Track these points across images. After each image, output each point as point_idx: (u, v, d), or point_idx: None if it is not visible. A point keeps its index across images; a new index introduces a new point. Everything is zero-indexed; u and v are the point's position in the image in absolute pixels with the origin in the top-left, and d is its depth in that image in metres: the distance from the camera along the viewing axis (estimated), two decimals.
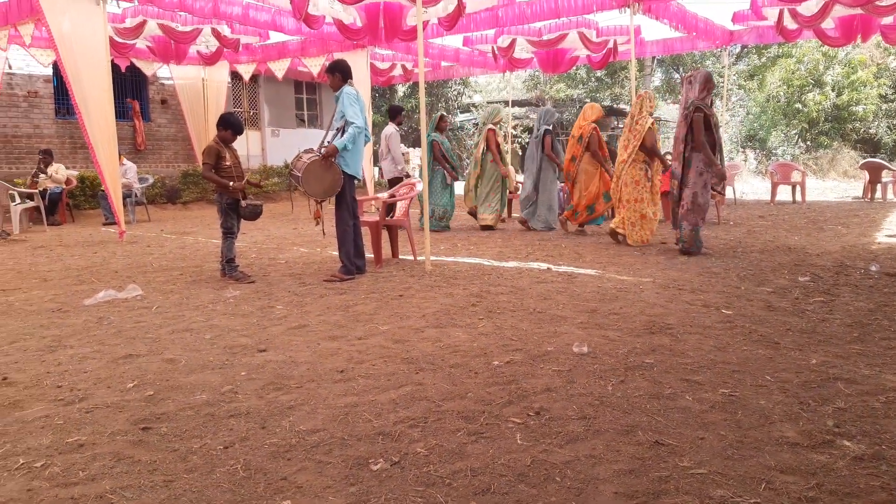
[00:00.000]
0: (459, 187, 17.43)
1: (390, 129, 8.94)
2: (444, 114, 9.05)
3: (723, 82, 20.47)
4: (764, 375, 3.06)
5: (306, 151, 5.58)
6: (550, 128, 8.63)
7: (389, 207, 6.60)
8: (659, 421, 2.60)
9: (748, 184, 19.09)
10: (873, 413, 2.63)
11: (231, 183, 5.53)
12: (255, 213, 5.60)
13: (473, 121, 26.61)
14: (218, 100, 14.78)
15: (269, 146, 17.50)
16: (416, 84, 22.87)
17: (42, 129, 12.97)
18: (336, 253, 6.44)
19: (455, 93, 26.39)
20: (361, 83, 11.19)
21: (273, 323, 4.26)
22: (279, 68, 13.41)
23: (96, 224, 10.95)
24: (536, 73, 27.45)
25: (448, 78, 19.96)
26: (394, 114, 9.13)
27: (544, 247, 7.54)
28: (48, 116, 12.96)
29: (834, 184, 19.47)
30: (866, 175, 13.18)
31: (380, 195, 7.37)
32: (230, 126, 5.57)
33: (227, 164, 5.60)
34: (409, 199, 6.63)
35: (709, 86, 6.16)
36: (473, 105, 29.14)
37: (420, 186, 6.64)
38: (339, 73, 5.52)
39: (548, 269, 6.01)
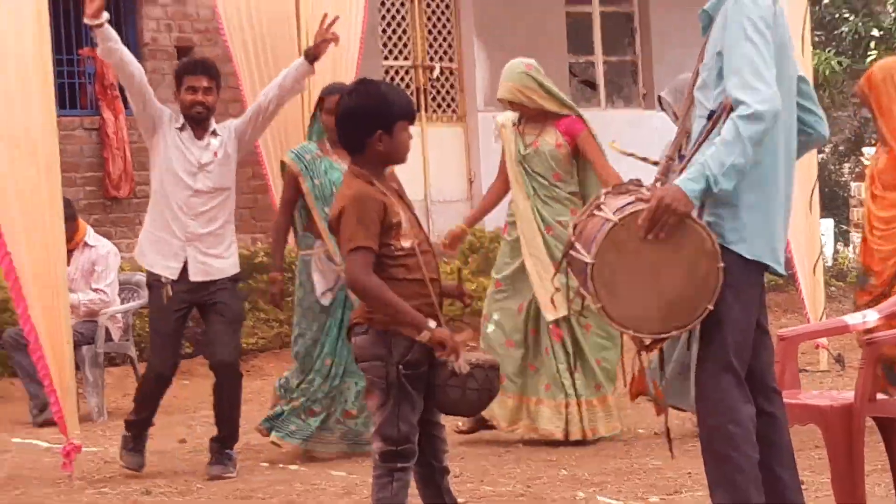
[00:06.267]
0: None
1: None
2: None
3: None
4: None
5: (620, 190, 5.47)
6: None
7: None
8: None
9: None
10: None
11: (431, 324, 5.45)
12: (488, 392, 5.67)
13: None
14: (349, 37, 14.81)
15: (486, 167, 17.30)
16: None
17: None
18: None
19: None
20: None
21: None
22: None
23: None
24: None
25: None
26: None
27: None
28: None
29: None
30: None
31: (867, 320, 7.39)
32: (405, 112, 5.59)
33: (407, 244, 5.57)
34: None
35: None
36: None
37: None
38: None
39: None
